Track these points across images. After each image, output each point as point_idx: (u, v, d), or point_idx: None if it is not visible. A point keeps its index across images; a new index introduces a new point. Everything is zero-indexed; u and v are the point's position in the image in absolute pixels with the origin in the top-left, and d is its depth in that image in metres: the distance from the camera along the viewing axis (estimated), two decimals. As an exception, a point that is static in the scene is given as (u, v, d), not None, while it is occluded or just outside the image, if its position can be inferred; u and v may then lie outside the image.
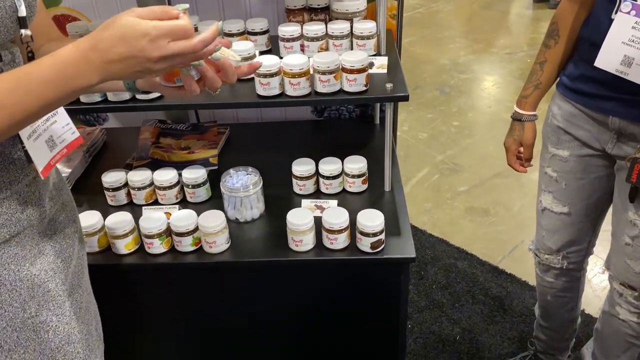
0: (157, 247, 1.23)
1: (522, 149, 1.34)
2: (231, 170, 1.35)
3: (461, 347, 1.80)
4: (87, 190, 1.47)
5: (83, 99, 1.25)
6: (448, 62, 4.00)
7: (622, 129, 1.14)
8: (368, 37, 1.35)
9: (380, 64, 1.33)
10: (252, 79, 1.23)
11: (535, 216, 1.46)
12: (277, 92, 1.21)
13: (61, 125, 0.85)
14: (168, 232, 1.24)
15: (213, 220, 1.21)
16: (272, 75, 1.18)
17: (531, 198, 2.53)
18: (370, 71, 1.25)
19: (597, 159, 1.24)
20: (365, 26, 1.34)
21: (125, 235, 1.23)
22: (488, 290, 2.01)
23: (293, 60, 1.17)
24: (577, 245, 1.38)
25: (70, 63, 0.68)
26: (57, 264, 0.90)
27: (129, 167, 1.47)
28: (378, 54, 1.39)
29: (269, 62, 1.17)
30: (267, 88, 1.20)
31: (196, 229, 1.22)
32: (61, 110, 0.86)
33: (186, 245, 1.23)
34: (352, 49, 1.38)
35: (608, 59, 1.05)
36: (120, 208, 1.38)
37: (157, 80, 0.87)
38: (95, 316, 1.04)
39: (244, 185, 1.30)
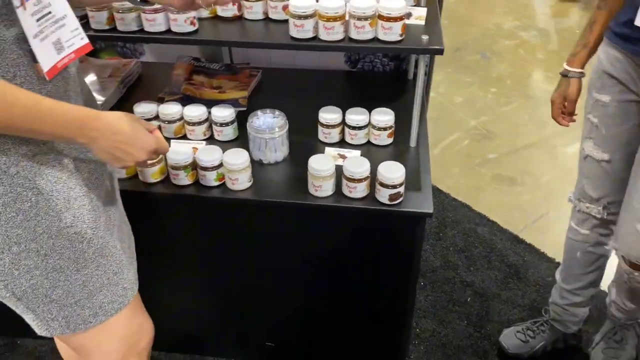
0: (182, 178, 1.27)
1: (566, 104, 1.39)
2: (258, 112, 1.37)
3: (471, 309, 1.82)
4: (120, 119, 1.51)
5: (120, 27, 1.27)
6: (493, 26, 3.86)
7: None
8: (409, -13, 1.32)
9: (419, 15, 1.30)
10: (287, 20, 1.22)
11: (561, 188, 1.46)
12: (310, 35, 1.20)
13: (70, 29, 0.86)
14: (194, 165, 1.27)
15: (237, 158, 1.23)
16: (306, 17, 1.17)
17: (561, 171, 2.49)
18: (407, 21, 1.23)
19: (637, 105, 1.26)
20: (407, -25, 1.30)
21: (152, 165, 1.27)
22: (505, 258, 2.01)
23: (329, 3, 1.16)
24: (617, 196, 1.38)
25: (79, 129, 0.83)
26: (92, 180, 0.95)
27: (160, 101, 1.50)
28: (418, 5, 1.36)
29: (304, 3, 1.16)
30: (300, 30, 1.19)
31: (220, 165, 1.25)
32: (70, 14, 0.86)
33: (210, 179, 1.26)
34: (391, -2, 1.34)
35: None
36: (149, 139, 1.41)
37: None
38: (128, 235, 1.10)
39: (270, 127, 1.32)
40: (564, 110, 1.40)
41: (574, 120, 1.42)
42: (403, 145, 1.41)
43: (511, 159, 2.60)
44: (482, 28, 3.85)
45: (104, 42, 1.80)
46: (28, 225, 0.85)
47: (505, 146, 2.68)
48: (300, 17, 1.17)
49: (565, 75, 1.36)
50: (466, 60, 3.44)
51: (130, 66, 1.68)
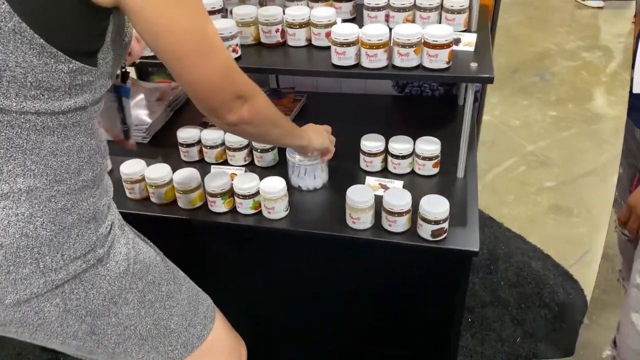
0: (219, 206, 1.25)
1: None
2: (299, 138, 1.34)
3: (520, 350, 1.71)
4: (164, 143, 1.52)
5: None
6: (553, 46, 3.71)
7: None
8: (459, 12, 1.26)
9: (468, 41, 1.24)
10: (330, 47, 1.19)
11: None
12: (352, 62, 1.16)
13: None
14: (231, 192, 1.25)
15: (274, 187, 1.21)
16: (348, 44, 1.13)
17: (626, 203, 2.32)
18: (455, 48, 1.17)
19: None
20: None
21: (190, 191, 1.26)
22: (555, 295, 1.88)
23: (372, 30, 1.12)
24: None
25: (302, 135, 1.16)
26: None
27: (204, 126, 1.50)
28: (468, 30, 1.30)
29: (346, 30, 1.13)
30: (342, 58, 1.16)
31: (257, 193, 1.23)
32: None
33: (246, 207, 1.24)
34: (440, 23, 1.29)
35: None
36: (192, 164, 1.41)
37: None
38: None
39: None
40: None
41: None
42: (450, 175, 1.35)
43: (570, 188, 2.45)
44: (542, 48, 3.71)
45: (157, 67, 1.83)
46: (140, 258, 0.92)
47: (564, 174, 2.54)
48: (342, 44, 1.14)
49: None
50: (524, 82, 3.31)
51: (178, 90, 1.70)
